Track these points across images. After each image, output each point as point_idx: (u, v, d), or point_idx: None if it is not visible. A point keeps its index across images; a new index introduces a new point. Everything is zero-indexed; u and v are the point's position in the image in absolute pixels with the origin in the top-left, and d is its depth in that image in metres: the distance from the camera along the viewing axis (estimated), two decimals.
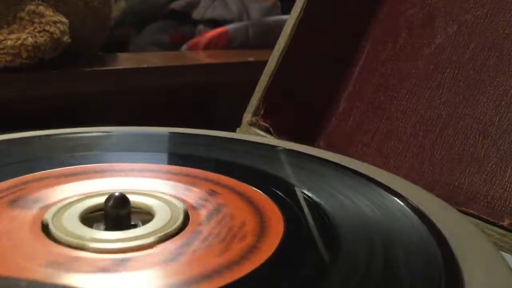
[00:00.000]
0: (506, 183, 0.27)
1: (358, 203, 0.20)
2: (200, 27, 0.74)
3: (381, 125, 0.33)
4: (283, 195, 0.20)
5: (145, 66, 0.50)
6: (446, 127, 0.30)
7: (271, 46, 0.36)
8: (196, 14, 0.74)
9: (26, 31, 0.42)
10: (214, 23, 0.73)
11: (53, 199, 0.19)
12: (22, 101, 0.44)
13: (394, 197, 0.20)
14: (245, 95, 0.36)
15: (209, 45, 0.68)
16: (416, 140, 0.31)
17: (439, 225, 0.18)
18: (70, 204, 0.19)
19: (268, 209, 0.19)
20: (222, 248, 0.16)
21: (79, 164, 0.23)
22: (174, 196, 0.20)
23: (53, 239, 0.16)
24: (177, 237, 0.17)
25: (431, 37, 0.33)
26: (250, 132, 0.34)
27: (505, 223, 0.25)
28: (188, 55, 0.67)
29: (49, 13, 0.43)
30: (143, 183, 0.22)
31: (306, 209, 0.19)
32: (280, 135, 0.34)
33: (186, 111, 0.55)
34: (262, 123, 0.34)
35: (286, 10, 0.58)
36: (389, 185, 0.22)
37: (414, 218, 0.19)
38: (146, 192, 0.20)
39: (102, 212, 0.18)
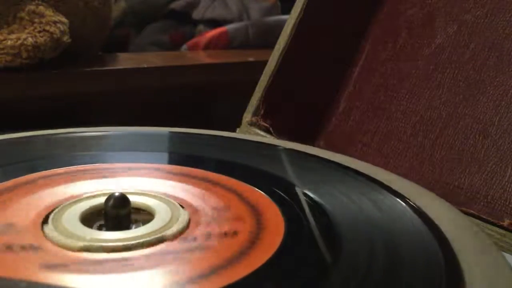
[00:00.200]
0: (506, 183, 0.27)
1: (358, 203, 0.20)
2: (200, 27, 0.74)
3: (381, 125, 0.33)
4: (283, 195, 0.20)
5: (145, 66, 0.50)
6: (446, 127, 0.30)
7: (271, 46, 0.36)
8: (196, 14, 0.74)
9: (26, 31, 0.42)
10: (214, 23, 0.73)
11: (53, 199, 0.19)
12: (22, 101, 0.44)
13: (395, 197, 0.20)
14: (245, 95, 0.36)
15: (209, 45, 0.68)
16: (416, 140, 0.31)
17: (440, 224, 0.18)
18: (70, 204, 0.19)
19: (268, 209, 0.19)
20: (222, 248, 0.16)
21: (79, 164, 0.23)
22: (174, 196, 0.20)
23: (53, 239, 0.16)
24: (176, 237, 0.17)
25: (431, 37, 0.33)
26: (250, 132, 0.34)
27: (505, 223, 0.25)
28: (188, 55, 0.67)
29: (49, 13, 0.43)
30: (143, 183, 0.22)
31: (306, 209, 0.19)
32: (280, 135, 0.34)
33: (186, 111, 0.55)
34: (262, 123, 0.34)
35: (286, 10, 0.58)
36: (390, 185, 0.22)
37: (415, 217, 0.19)
38: (146, 192, 0.20)
39: (102, 212, 0.18)
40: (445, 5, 0.33)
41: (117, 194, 0.18)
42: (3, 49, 0.41)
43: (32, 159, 0.24)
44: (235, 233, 0.17)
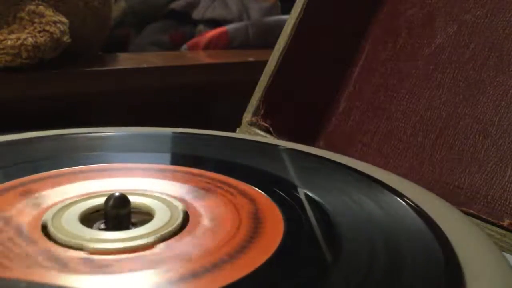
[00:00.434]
0: (506, 183, 0.27)
1: (359, 203, 0.20)
2: (200, 27, 0.74)
3: (381, 125, 0.33)
4: (283, 195, 0.20)
5: (145, 66, 0.50)
6: (446, 127, 0.30)
7: (271, 46, 0.36)
8: (196, 14, 0.74)
9: (26, 31, 0.42)
10: (214, 23, 0.73)
11: (53, 199, 0.19)
12: (22, 101, 0.44)
13: (395, 197, 0.20)
14: (245, 95, 0.36)
15: (209, 45, 0.68)
16: (416, 140, 0.31)
17: (441, 224, 0.18)
18: (70, 204, 0.19)
19: (268, 208, 0.19)
20: (221, 248, 0.16)
21: (79, 165, 0.23)
22: (174, 196, 0.20)
23: (53, 239, 0.16)
24: (176, 237, 0.17)
25: (431, 37, 0.33)
26: (250, 132, 0.34)
27: (505, 223, 0.25)
28: (188, 55, 0.67)
29: (49, 13, 0.43)
30: (143, 183, 0.22)
31: (306, 209, 0.19)
32: (280, 135, 0.34)
33: (186, 111, 0.55)
34: (262, 123, 0.34)
35: (286, 10, 0.58)
36: (390, 185, 0.22)
37: (415, 218, 0.19)
38: (146, 193, 0.20)
39: (102, 212, 0.18)
40: (445, 5, 0.33)
41: (117, 194, 0.18)
42: (3, 49, 0.41)
43: (33, 160, 0.24)
44: (234, 232, 0.17)
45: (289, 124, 0.35)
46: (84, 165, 0.23)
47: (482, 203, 0.27)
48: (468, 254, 0.16)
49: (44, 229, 0.17)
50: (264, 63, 0.35)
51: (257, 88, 0.35)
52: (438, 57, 0.32)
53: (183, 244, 0.16)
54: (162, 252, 0.16)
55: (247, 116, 0.35)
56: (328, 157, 0.25)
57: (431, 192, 0.22)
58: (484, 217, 0.26)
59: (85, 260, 0.15)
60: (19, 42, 0.41)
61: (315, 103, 0.37)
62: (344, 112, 0.36)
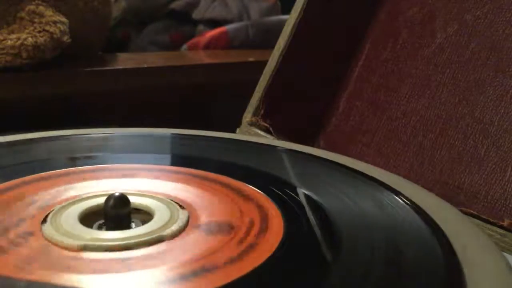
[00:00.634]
0: (506, 183, 0.27)
1: (358, 203, 0.20)
2: (200, 27, 0.74)
3: (381, 125, 0.33)
4: (283, 195, 0.20)
5: (145, 66, 0.50)
6: (446, 127, 0.30)
7: (271, 46, 0.36)
8: (196, 14, 0.74)
9: (26, 31, 0.42)
10: (214, 23, 0.73)
11: (53, 200, 0.19)
12: (22, 101, 0.44)
13: (395, 197, 0.20)
14: (245, 95, 0.36)
15: (209, 45, 0.69)
16: (416, 140, 0.31)
17: (440, 224, 0.18)
18: (70, 204, 0.19)
19: (268, 208, 0.19)
20: (221, 248, 0.16)
21: (79, 165, 0.23)
22: (174, 197, 0.20)
23: (52, 239, 0.16)
24: (175, 237, 0.17)
25: (431, 37, 0.33)
26: (250, 132, 0.34)
27: (505, 223, 0.25)
28: (188, 55, 0.67)
29: (49, 13, 0.43)
30: (142, 183, 0.22)
31: (306, 209, 0.19)
32: (280, 135, 0.34)
33: (186, 111, 0.55)
34: (262, 123, 0.34)
35: (286, 10, 0.58)
36: (390, 185, 0.22)
37: (415, 218, 0.19)
38: (146, 193, 0.20)
39: (102, 212, 0.18)
40: (445, 5, 0.33)
41: (117, 194, 0.18)
42: (3, 49, 0.41)
43: (33, 160, 0.24)
44: (234, 233, 0.17)
45: (289, 124, 0.35)
46: (84, 165, 0.23)
47: (482, 203, 0.27)
48: (468, 254, 0.16)
49: (44, 228, 0.17)
50: (264, 63, 0.35)
51: (257, 88, 0.35)
52: (438, 57, 0.32)
53: (183, 244, 0.16)
54: (161, 252, 0.16)
55: (247, 116, 0.35)
56: (327, 157, 0.25)
57: (431, 192, 0.22)
58: (484, 217, 0.26)
59: (85, 260, 0.15)
60: (19, 42, 0.41)
61: (315, 103, 0.37)
62: (344, 112, 0.36)
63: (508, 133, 0.28)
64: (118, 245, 0.16)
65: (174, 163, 0.25)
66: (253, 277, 0.15)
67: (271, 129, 0.34)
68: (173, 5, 0.74)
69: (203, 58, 0.65)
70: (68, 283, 0.14)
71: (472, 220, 0.25)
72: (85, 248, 0.16)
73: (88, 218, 0.18)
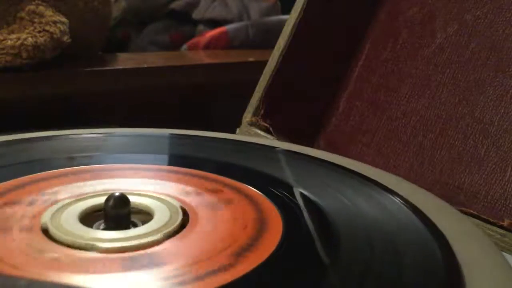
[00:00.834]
0: (506, 183, 0.27)
1: (357, 203, 0.20)
2: (200, 27, 0.74)
3: (381, 125, 0.33)
4: (282, 196, 0.20)
5: (145, 66, 0.50)
6: (446, 127, 0.30)
7: (271, 46, 0.36)
8: (196, 14, 0.74)
9: (26, 31, 0.42)
10: (214, 23, 0.73)
11: (53, 199, 0.19)
12: (22, 101, 0.44)
13: (394, 197, 0.20)
14: (245, 95, 0.36)
15: (209, 45, 0.69)
16: (416, 140, 0.31)
17: (439, 225, 0.18)
18: (70, 204, 0.19)
19: (267, 209, 0.19)
20: (220, 248, 0.16)
21: (79, 165, 0.23)
22: (173, 197, 0.20)
23: (52, 239, 0.16)
24: (175, 237, 0.17)
25: (431, 37, 0.33)
26: (250, 132, 0.34)
27: (505, 223, 0.25)
28: (188, 55, 0.67)
29: (49, 13, 0.44)
30: (142, 183, 0.22)
31: (305, 210, 0.19)
32: (280, 135, 0.34)
33: (186, 111, 0.55)
34: (262, 123, 0.34)
35: (286, 10, 0.58)
36: (389, 185, 0.22)
37: (414, 218, 0.19)
38: (146, 193, 0.20)
39: (102, 212, 0.18)
40: (445, 5, 0.33)
41: (117, 194, 0.18)
42: (3, 49, 0.41)
43: (32, 160, 0.24)
44: (233, 233, 0.17)
45: (289, 124, 0.35)
46: (84, 165, 0.23)
47: (482, 203, 0.27)
48: (468, 254, 0.16)
49: (44, 228, 0.17)
50: (264, 63, 0.35)
51: (257, 88, 0.35)
52: (438, 57, 0.32)
53: (183, 244, 0.16)
54: (161, 252, 0.16)
55: (247, 116, 0.35)
56: (326, 158, 0.25)
57: (430, 192, 0.22)
58: (484, 217, 0.26)
59: (85, 260, 0.15)
60: (19, 42, 0.41)
61: (315, 103, 0.37)
62: (344, 112, 0.36)
63: (508, 133, 0.28)
64: (118, 245, 0.16)
65: (174, 163, 0.25)
66: (252, 277, 0.15)
67: (271, 129, 0.34)
68: (173, 5, 0.74)
69: (203, 58, 0.65)
70: (68, 283, 0.14)
71: (472, 220, 0.25)
72: (85, 248, 0.16)
73: (88, 218, 0.18)
